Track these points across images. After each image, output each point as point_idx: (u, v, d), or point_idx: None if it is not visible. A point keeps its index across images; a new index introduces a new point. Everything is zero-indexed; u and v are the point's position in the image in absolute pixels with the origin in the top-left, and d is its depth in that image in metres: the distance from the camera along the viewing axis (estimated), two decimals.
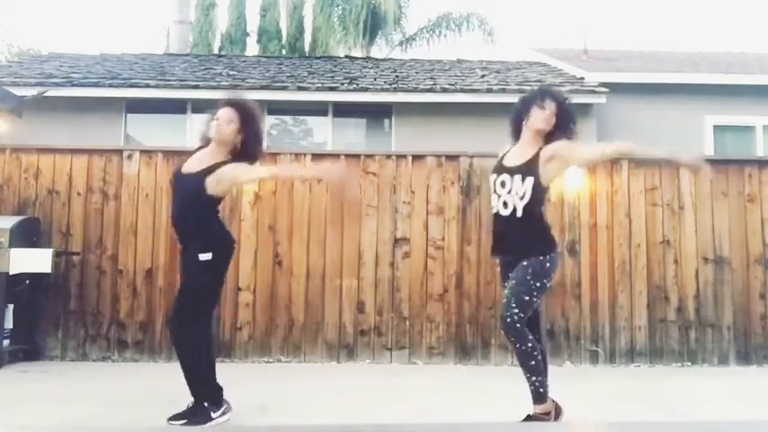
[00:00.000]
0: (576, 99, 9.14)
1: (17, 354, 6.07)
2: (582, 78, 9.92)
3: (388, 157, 6.76)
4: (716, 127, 9.83)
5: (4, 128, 7.25)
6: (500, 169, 3.84)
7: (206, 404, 3.78)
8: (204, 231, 3.79)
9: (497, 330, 6.46)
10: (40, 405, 4.40)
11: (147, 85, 9.08)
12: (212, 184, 3.75)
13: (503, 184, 3.75)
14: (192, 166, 3.85)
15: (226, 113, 3.81)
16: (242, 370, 6.05)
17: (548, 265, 3.65)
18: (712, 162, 6.80)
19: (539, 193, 3.70)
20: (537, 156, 3.72)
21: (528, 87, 9.24)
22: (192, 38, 16.79)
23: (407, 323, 6.46)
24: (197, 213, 3.79)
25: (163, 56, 12.92)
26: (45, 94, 8.18)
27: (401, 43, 17.39)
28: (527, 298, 3.57)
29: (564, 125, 3.77)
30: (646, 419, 4.04)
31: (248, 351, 6.42)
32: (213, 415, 3.78)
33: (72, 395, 4.75)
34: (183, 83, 9.24)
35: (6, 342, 5.95)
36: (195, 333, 3.80)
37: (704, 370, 6.30)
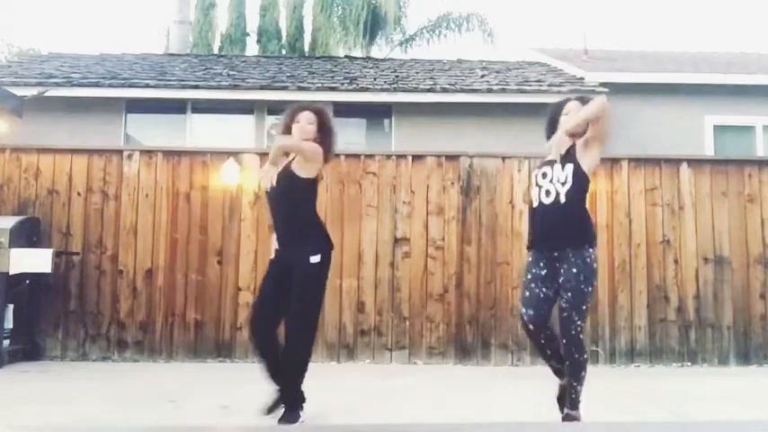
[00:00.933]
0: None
1: (17, 354, 6.07)
2: (582, 78, 9.92)
3: (388, 157, 6.77)
4: (716, 127, 9.82)
5: (4, 128, 7.24)
6: (541, 164, 3.85)
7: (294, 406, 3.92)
8: (312, 232, 3.99)
9: (497, 330, 6.47)
10: (39, 405, 4.40)
11: (147, 85, 9.08)
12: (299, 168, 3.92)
13: (543, 175, 3.73)
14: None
15: (307, 116, 4.06)
16: (242, 370, 6.05)
17: (594, 265, 3.65)
18: (712, 162, 6.85)
19: (580, 179, 3.66)
20: (574, 145, 3.72)
21: (528, 87, 9.27)
22: (192, 38, 16.78)
23: (407, 323, 6.46)
24: (302, 212, 3.98)
25: (163, 56, 12.92)
26: (45, 94, 8.18)
27: (401, 43, 17.39)
28: (585, 307, 3.63)
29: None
30: (646, 419, 4.04)
31: (248, 351, 6.40)
32: (302, 414, 3.94)
33: (72, 395, 4.75)
34: (183, 83, 9.24)
35: (6, 342, 5.96)
36: (312, 337, 4.03)
37: (704, 370, 6.30)
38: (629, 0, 41.13)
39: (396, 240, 6.53)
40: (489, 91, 9.19)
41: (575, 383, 3.64)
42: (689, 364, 6.39)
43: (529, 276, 3.78)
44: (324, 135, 4.07)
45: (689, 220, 6.60)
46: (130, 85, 9.10)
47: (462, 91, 9.20)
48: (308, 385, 4.54)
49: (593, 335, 6.44)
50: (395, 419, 3.98)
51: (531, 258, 3.81)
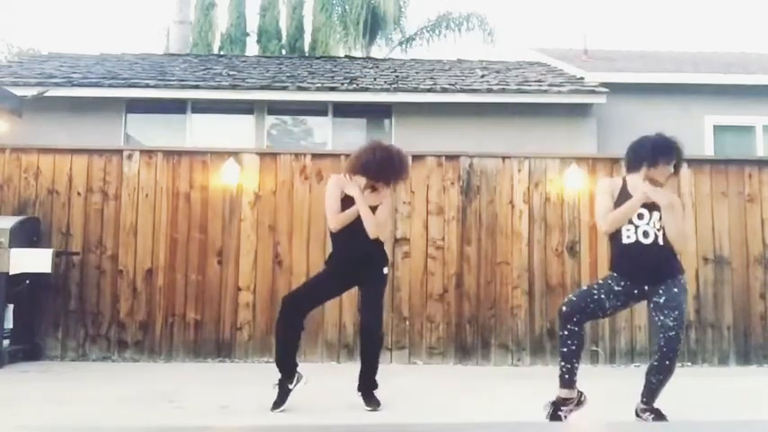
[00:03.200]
0: (576, 99, 9.21)
1: (17, 354, 6.07)
2: (582, 78, 9.92)
3: None
4: (716, 127, 9.82)
5: (4, 128, 7.24)
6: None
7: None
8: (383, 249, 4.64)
9: (497, 330, 6.47)
10: (39, 405, 4.40)
11: (147, 85, 9.08)
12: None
13: (640, 216, 3.91)
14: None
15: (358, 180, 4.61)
16: (242, 370, 6.06)
17: (687, 284, 3.99)
18: (712, 162, 6.84)
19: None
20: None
21: (528, 87, 9.27)
22: (192, 38, 16.79)
23: (407, 323, 6.46)
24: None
25: (163, 56, 12.92)
26: (45, 94, 8.17)
27: (401, 43, 17.39)
28: (684, 318, 3.92)
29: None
30: (646, 419, 4.04)
31: (248, 351, 6.42)
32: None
33: (72, 395, 4.75)
34: (182, 83, 9.24)
35: (6, 342, 5.96)
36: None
37: (704, 370, 6.30)
38: (629, 0, 41.13)
39: (396, 240, 6.52)
40: (489, 91, 9.19)
41: (661, 386, 4.01)
42: (689, 364, 6.39)
43: (600, 281, 4.05)
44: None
45: (689, 220, 6.59)
46: (130, 85, 9.10)
47: (462, 91, 9.20)
48: (308, 385, 4.55)
49: (593, 335, 6.43)
50: (395, 419, 3.98)
51: (613, 275, 4.00)
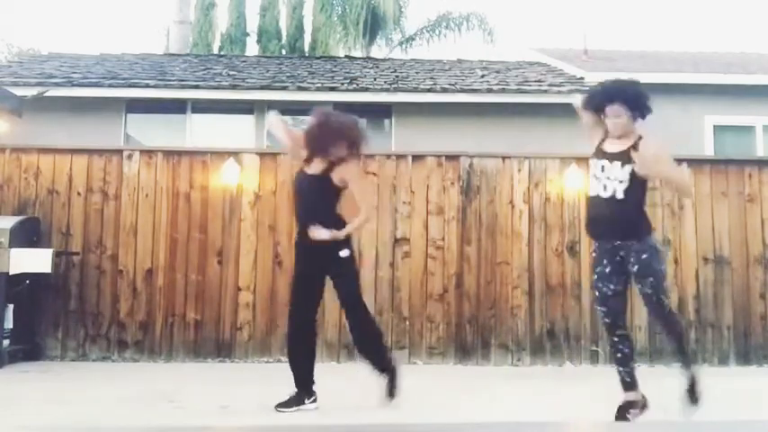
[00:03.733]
0: (576, 99, 9.18)
1: (17, 354, 6.07)
2: (582, 78, 9.91)
3: (388, 157, 6.77)
4: (716, 127, 9.81)
5: (4, 128, 7.24)
6: (601, 155, 3.96)
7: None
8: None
9: (497, 330, 6.47)
10: (39, 405, 4.40)
11: (147, 85, 9.08)
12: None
13: (602, 169, 3.88)
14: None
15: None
16: (242, 370, 6.06)
17: (658, 246, 3.96)
18: (712, 162, 6.84)
19: (636, 180, 3.84)
20: (631, 148, 3.86)
21: (528, 87, 9.27)
22: (192, 38, 16.78)
23: (407, 323, 6.46)
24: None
25: (163, 56, 12.92)
26: (45, 94, 8.17)
27: (401, 43, 17.38)
28: (665, 284, 3.96)
29: (638, 114, 3.95)
30: (646, 419, 4.04)
31: (248, 351, 6.42)
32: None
33: (72, 395, 4.74)
34: (182, 83, 9.24)
35: (6, 342, 5.96)
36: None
37: (704, 370, 6.26)
38: (629, 0, 41.13)
39: (396, 240, 6.52)
40: (489, 91, 9.18)
41: (685, 352, 4.08)
42: None
43: (595, 276, 4.04)
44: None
45: (689, 220, 6.60)
46: (130, 85, 9.10)
47: (462, 91, 9.20)
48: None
49: (593, 335, 6.44)
50: (395, 419, 3.98)
51: (595, 255, 4.04)
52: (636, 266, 3.83)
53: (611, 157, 3.86)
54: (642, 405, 3.92)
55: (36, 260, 6.06)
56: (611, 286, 3.93)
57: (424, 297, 6.48)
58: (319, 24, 17.19)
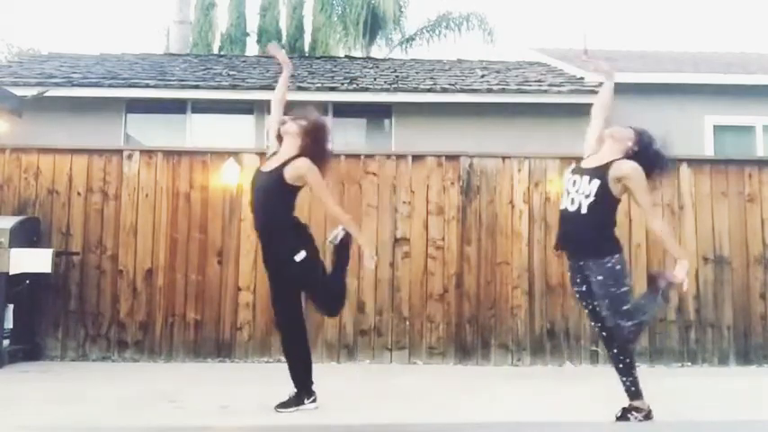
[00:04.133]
0: (576, 99, 9.20)
1: (17, 354, 6.07)
2: (582, 78, 9.91)
3: (388, 157, 6.76)
4: (716, 127, 9.80)
5: (4, 128, 7.24)
6: (575, 170, 3.99)
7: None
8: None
9: (497, 330, 6.47)
10: (39, 405, 4.40)
11: (147, 85, 9.08)
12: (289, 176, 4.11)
13: (573, 183, 3.89)
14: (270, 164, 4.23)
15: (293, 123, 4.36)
16: (242, 370, 6.06)
17: (618, 267, 3.80)
18: (712, 162, 6.84)
19: (604, 196, 3.79)
20: (609, 165, 3.84)
21: (528, 87, 9.27)
22: (192, 38, 16.78)
23: (407, 323, 6.46)
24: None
25: (163, 56, 12.92)
26: (45, 94, 8.17)
27: (401, 43, 17.39)
28: (625, 307, 3.77)
29: (643, 157, 3.90)
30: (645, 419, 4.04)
31: (248, 351, 6.42)
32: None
33: (72, 395, 4.75)
34: (182, 83, 9.24)
35: (6, 342, 5.96)
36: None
37: (704, 370, 6.30)
38: (629, 0, 41.13)
39: (396, 240, 6.52)
40: (489, 91, 9.18)
41: (624, 381, 3.92)
42: (689, 364, 6.39)
43: (577, 296, 4.06)
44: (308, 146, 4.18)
45: (689, 220, 6.60)
46: (130, 85, 9.10)
47: (462, 91, 9.20)
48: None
49: (593, 335, 6.42)
50: (395, 419, 3.98)
51: (570, 274, 4.07)
52: (593, 287, 3.81)
53: (584, 171, 3.88)
54: (647, 414, 3.87)
55: (36, 260, 6.06)
56: (595, 302, 3.90)
57: (424, 297, 6.48)
58: (319, 24, 17.19)
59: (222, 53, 15.99)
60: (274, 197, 4.11)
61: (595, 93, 9.17)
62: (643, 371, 6.20)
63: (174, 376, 5.69)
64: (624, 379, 3.90)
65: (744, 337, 6.47)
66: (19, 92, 8.23)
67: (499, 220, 6.59)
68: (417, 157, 6.71)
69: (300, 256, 4.04)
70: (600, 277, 3.76)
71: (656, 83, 9.91)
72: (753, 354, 6.45)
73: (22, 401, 4.57)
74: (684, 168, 6.68)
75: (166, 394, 4.71)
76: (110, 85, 9.07)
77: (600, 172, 3.81)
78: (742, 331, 6.47)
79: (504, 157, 6.72)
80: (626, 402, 3.91)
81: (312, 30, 17.92)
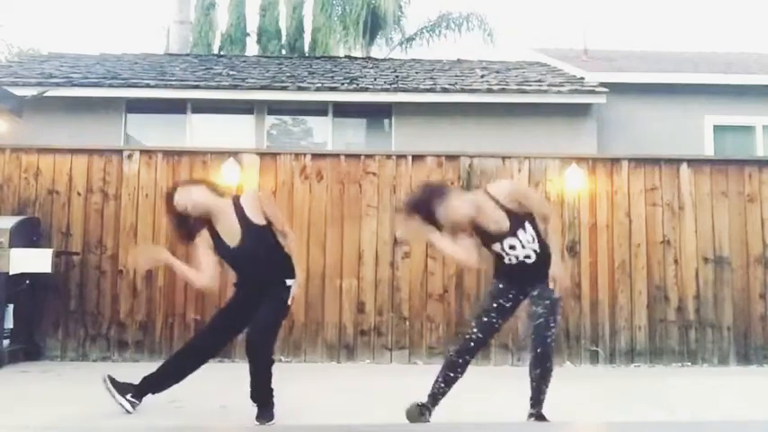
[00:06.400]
0: (576, 99, 9.21)
1: (17, 354, 6.07)
2: (582, 78, 9.92)
3: (388, 157, 6.76)
4: (716, 127, 9.82)
5: (4, 128, 7.24)
6: (498, 237, 3.84)
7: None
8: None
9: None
10: (40, 405, 4.40)
11: (147, 85, 9.08)
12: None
13: (512, 247, 3.82)
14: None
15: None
16: (242, 370, 6.03)
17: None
18: (712, 162, 6.85)
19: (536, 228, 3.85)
20: (509, 206, 3.80)
21: (528, 87, 9.27)
22: (191, 38, 16.77)
23: (407, 323, 6.46)
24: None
25: (163, 56, 12.92)
26: (45, 94, 8.17)
27: (401, 43, 17.38)
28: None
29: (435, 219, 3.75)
30: (646, 419, 4.04)
31: None
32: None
33: (72, 395, 4.75)
34: (183, 83, 9.24)
35: (6, 342, 5.96)
36: None
37: (704, 370, 6.30)
38: (629, 0, 41.13)
39: (396, 240, 6.52)
40: (489, 91, 9.18)
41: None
42: (689, 364, 6.39)
43: (495, 305, 3.95)
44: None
45: (689, 220, 6.60)
46: (130, 85, 9.10)
47: (462, 91, 9.20)
48: (308, 385, 4.55)
49: (593, 335, 6.44)
50: (395, 419, 3.98)
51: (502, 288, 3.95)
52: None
53: (506, 235, 3.80)
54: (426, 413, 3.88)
55: (36, 260, 6.07)
56: (501, 321, 3.95)
57: (424, 297, 6.48)
58: (319, 24, 17.18)
59: (222, 53, 15.99)
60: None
61: (595, 93, 9.20)
62: (643, 371, 6.24)
63: None
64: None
65: (744, 337, 6.47)
66: (19, 92, 8.25)
67: None
68: (417, 157, 6.71)
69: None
70: (547, 301, 3.85)
71: (656, 83, 9.92)
72: (753, 354, 6.45)
73: (22, 401, 4.56)
74: (684, 168, 6.69)
75: (166, 394, 4.70)
76: (110, 85, 9.07)
77: (516, 219, 3.79)
78: (742, 331, 6.48)
79: (504, 158, 6.72)
80: (629, 401, 3.91)
81: (312, 30, 17.91)
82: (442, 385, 3.92)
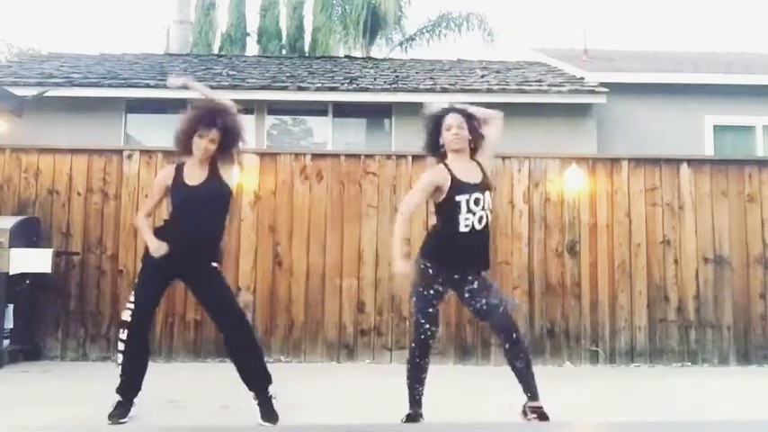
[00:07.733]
0: (576, 99, 9.21)
1: (17, 354, 6.07)
2: (582, 78, 9.92)
3: (388, 157, 6.76)
4: (716, 127, 9.82)
5: (4, 128, 7.24)
6: (469, 188, 3.91)
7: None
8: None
9: None
10: (40, 405, 4.40)
11: (147, 85, 9.08)
12: None
13: (477, 202, 3.89)
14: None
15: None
16: None
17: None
18: (712, 162, 6.85)
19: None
20: (484, 170, 4.05)
21: (528, 87, 9.27)
22: (191, 38, 16.78)
23: (407, 323, 6.45)
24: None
25: (163, 56, 12.92)
26: (45, 94, 8.17)
27: (401, 43, 17.38)
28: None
29: (475, 133, 4.09)
30: (646, 419, 4.04)
31: None
32: None
33: (72, 395, 4.75)
34: None
35: (6, 342, 5.96)
36: None
37: (704, 370, 6.30)
38: (629, 0, 41.14)
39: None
40: (489, 91, 9.18)
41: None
42: (689, 364, 6.39)
43: (431, 292, 3.92)
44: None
45: (689, 220, 6.60)
46: (130, 85, 9.10)
47: (462, 91, 9.20)
48: (308, 385, 4.55)
49: (593, 335, 6.44)
50: (395, 419, 3.98)
51: (431, 273, 3.92)
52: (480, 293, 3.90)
53: (478, 188, 3.89)
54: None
55: (36, 260, 6.06)
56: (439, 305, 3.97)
57: None
58: (319, 24, 17.19)
59: (222, 53, 15.99)
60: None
61: (595, 92, 9.21)
62: (643, 371, 6.24)
63: (175, 376, 5.69)
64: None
65: (744, 337, 6.47)
66: (19, 92, 8.24)
67: (499, 220, 6.58)
68: (417, 157, 6.70)
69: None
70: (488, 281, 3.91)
71: (657, 83, 9.92)
72: (753, 354, 6.46)
73: (22, 401, 4.56)
74: (684, 168, 6.69)
75: (166, 394, 4.71)
76: (109, 85, 9.07)
77: (488, 182, 3.97)
78: (742, 331, 6.48)
79: (504, 157, 6.72)
80: (629, 401, 3.91)
81: (312, 30, 17.92)
82: (417, 385, 3.94)
